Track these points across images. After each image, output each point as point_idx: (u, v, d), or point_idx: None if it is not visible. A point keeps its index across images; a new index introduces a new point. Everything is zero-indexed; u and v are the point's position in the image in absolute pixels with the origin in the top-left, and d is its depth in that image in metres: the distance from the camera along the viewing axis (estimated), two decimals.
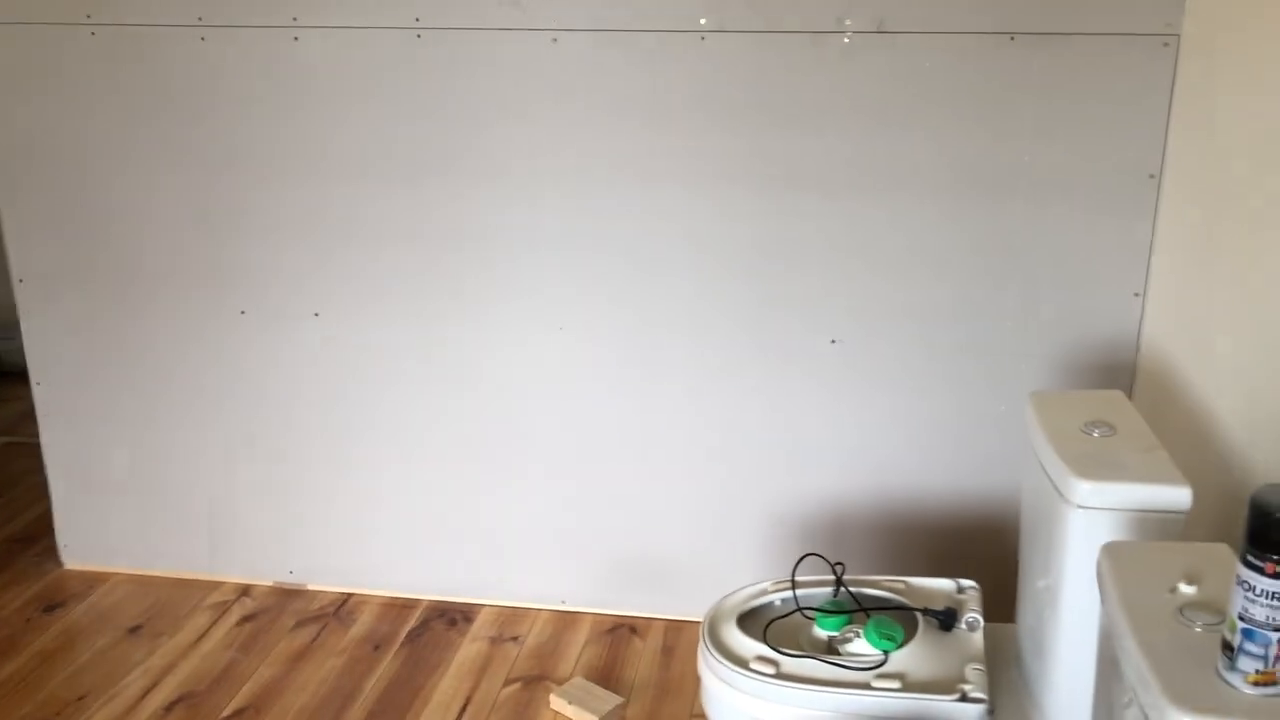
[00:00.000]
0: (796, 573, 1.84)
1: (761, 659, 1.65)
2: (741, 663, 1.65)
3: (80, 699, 2.29)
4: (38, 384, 2.62)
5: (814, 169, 2.20)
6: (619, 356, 2.38)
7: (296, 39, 2.30)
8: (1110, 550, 1.26)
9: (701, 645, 1.71)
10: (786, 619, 1.78)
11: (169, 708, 2.26)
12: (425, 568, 2.61)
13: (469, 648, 2.45)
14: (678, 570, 2.50)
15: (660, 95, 2.21)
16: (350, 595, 2.64)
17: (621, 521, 2.49)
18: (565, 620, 2.54)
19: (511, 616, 2.56)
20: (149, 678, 2.35)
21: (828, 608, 1.75)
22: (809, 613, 1.77)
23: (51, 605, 2.61)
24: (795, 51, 2.14)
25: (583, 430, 2.45)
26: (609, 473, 2.46)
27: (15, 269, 2.54)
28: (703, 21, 2.16)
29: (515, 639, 2.48)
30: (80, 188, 2.46)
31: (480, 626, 2.53)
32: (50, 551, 2.79)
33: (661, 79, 2.20)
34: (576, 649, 2.44)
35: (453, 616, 2.56)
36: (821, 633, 1.73)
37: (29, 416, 3.57)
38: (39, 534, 2.89)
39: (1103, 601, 1.22)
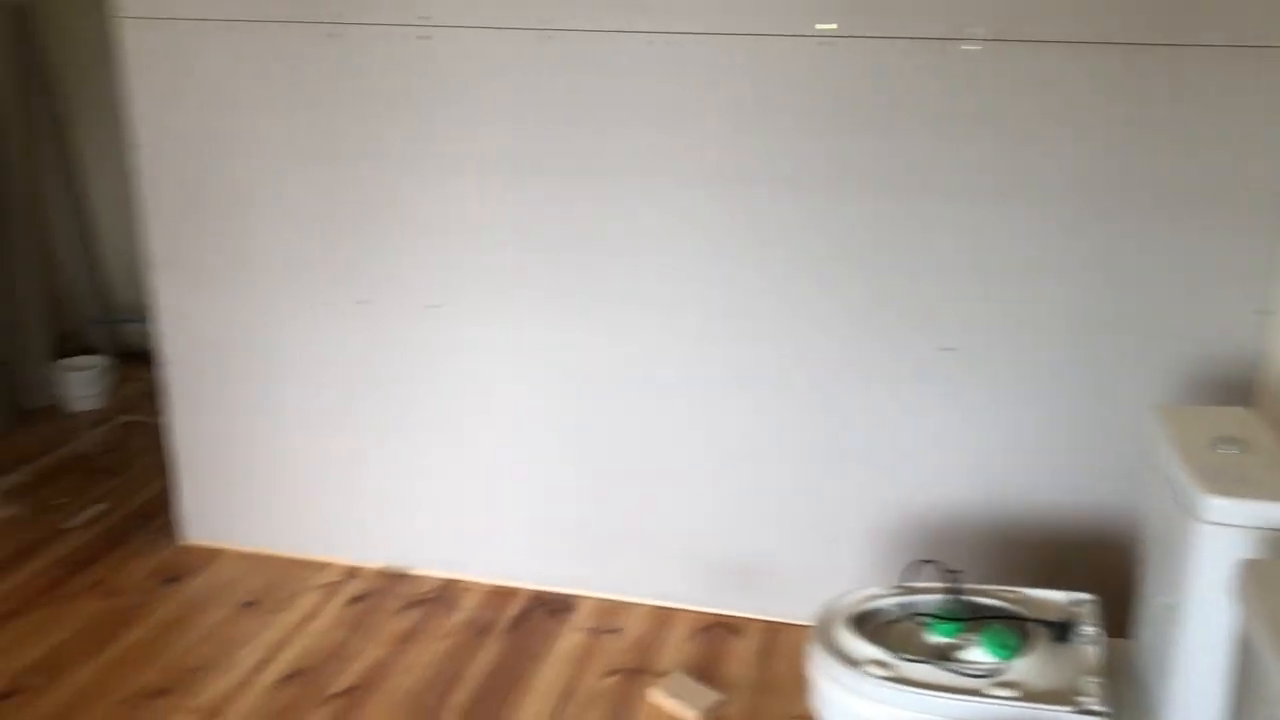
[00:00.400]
0: (905, 578, 1.85)
1: (876, 662, 1.66)
2: (855, 665, 1.66)
3: (199, 669, 2.38)
4: (168, 365, 2.72)
5: (932, 175, 2.20)
6: (726, 356, 2.40)
7: (425, 37, 2.36)
8: (1250, 567, 1.25)
9: (814, 646, 1.72)
10: (898, 624, 1.79)
11: (282, 682, 2.33)
12: (527, 557, 2.66)
13: (569, 637, 2.49)
14: (777, 572, 2.52)
15: (776, 100, 2.23)
16: (453, 581, 2.70)
17: (723, 521, 2.51)
18: (663, 616, 2.57)
19: (611, 609, 2.60)
20: (263, 652, 2.44)
21: (942, 614, 1.76)
22: (922, 618, 1.77)
23: (171, 578, 2.71)
24: (915, 58, 2.14)
25: (688, 430, 2.47)
26: (712, 472, 2.49)
27: (153, 253, 2.64)
28: (822, 26, 2.17)
29: (615, 631, 2.52)
30: (216, 177, 2.56)
31: (580, 617, 2.57)
32: (170, 526, 2.90)
33: (778, 83, 2.22)
34: (675, 645, 2.47)
35: (553, 606, 2.61)
36: (935, 638, 1.73)
37: (148, 396, 3.70)
38: (157, 510, 3.00)
39: (1242, 618, 1.21)
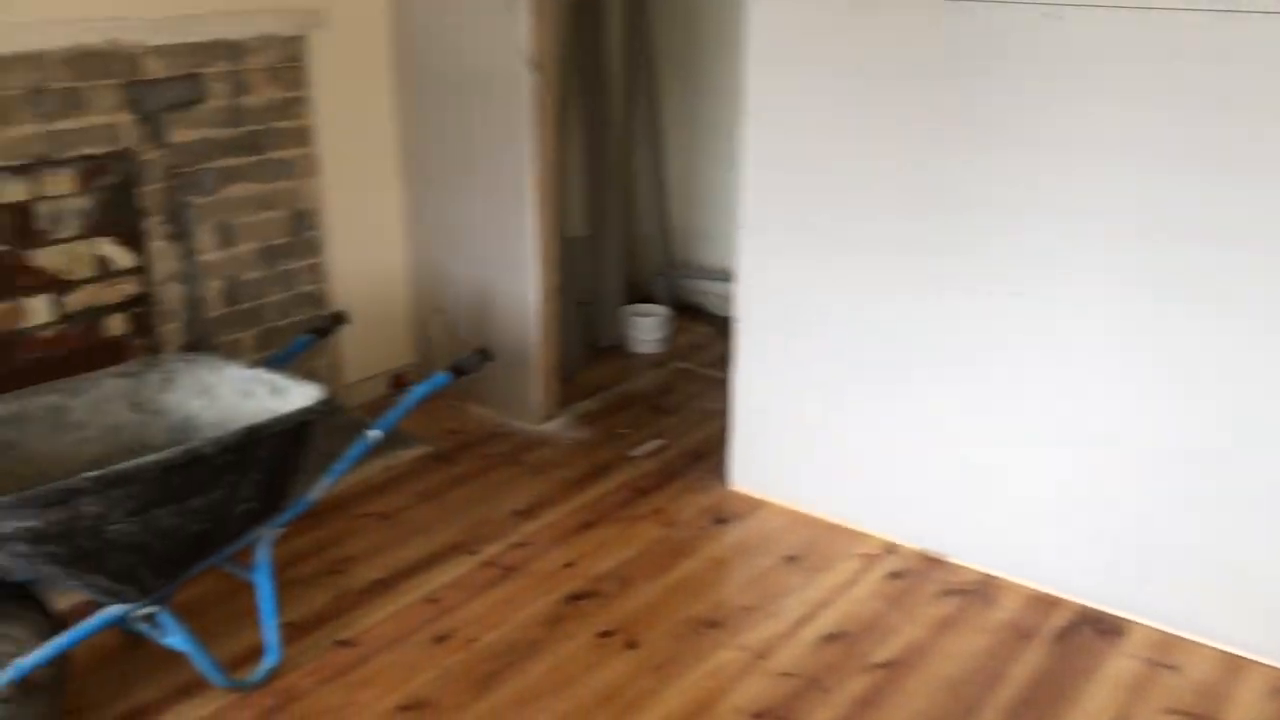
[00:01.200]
0: None
1: None
2: None
3: (746, 610, 2.52)
4: (741, 322, 2.89)
5: None
6: None
7: (1055, 17, 2.26)
8: None
9: None
10: None
11: (824, 640, 2.41)
12: (1075, 568, 2.51)
13: (1120, 663, 2.33)
14: None
15: None
16: (993, 578, 2.63)
17: None
18: (1232, 664, 2.32)
19: (1168, 643, 2.39)
20: (805, 607, 2.53)
21: None
22: None
23: (720, 519, 2.90)
24: None
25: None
26: None
27: (744, 216, 2.80)
28: None
29: (1172, 668, 2.31)
30: (814, 148, 2.65)
31: (1132, 644, 2.39)
32: (718, 470, 3.09)
33: None
34: (1248, 699, 2.22)
35: (1101, 626, 2.45)
36: None
37: (698, 347, 3.99)
38: (708, 453, 3.22)
39: None
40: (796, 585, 2.61)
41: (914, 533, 2.74)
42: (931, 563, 2.69)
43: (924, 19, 2.43)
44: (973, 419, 2.58)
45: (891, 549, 2.75)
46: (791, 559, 2.72)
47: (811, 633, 2.43)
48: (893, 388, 2.69)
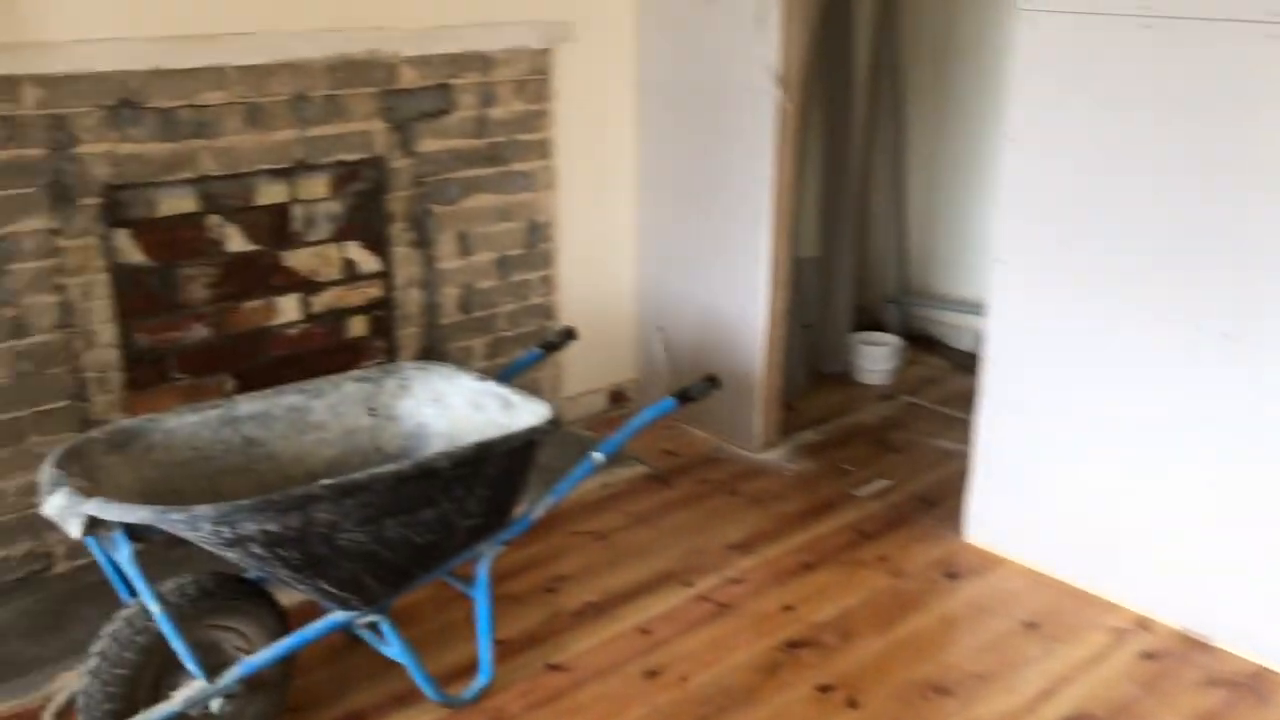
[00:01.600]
0: None
1: None
2: None
3: (979, 677, 2.32)
4: (989, 359, 2.68)
5: None
6: None
7: None
8: None
9: None
10: None
11: None
12: None
13: None
14: None
15: None
16: (1267, 670, 2.33)
17: None
18: None
19: None
20: (1045, 681, 2.31)
21: None
22: None
23: (951, 573, 2.70)
24: None
25: None
26: None
27: (999, 248, 2.60)
28: None
29: None
30: (1084, 178, 2.42)
31: None
32: (951, 519, 2.89)
33: None
34: None
35: None
36: None
37: (930, 381, 3.78)
38: (940, 499, 3.02)
39: None
40: (1036, 655, 2.39)
41: (1173, 609, 2.46)
42: (1192, 645, 2.41)
43: (1228, 46, 2.17)
44: (1250, 488, 2.29)
45: (1145, 624, 2.48)
46: (1031, 625, 2.49)
47: (1052, 711, 2.21)
48: (1158, 447, 2.42)
